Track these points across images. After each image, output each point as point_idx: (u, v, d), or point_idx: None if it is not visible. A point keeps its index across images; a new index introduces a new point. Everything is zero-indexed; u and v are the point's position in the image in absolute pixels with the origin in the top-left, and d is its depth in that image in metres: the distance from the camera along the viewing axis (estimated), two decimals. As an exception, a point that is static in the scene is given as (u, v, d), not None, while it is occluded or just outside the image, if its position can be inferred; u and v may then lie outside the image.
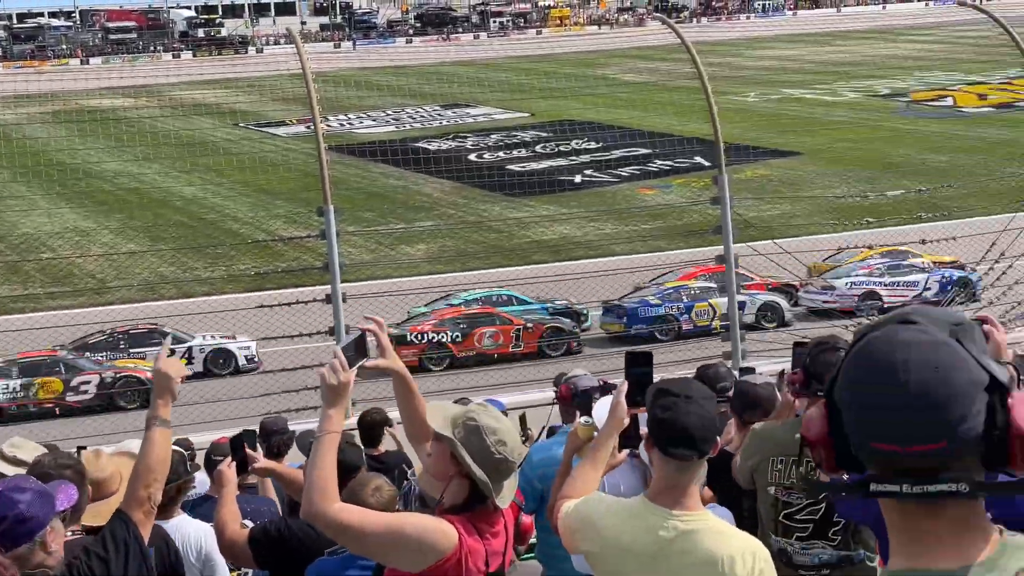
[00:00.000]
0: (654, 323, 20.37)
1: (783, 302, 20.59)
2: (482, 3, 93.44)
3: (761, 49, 63.57)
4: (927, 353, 1.47)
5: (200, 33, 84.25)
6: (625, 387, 3.11)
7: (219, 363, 20.03)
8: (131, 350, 19.91)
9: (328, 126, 39.46)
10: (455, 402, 3.71)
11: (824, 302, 20.88)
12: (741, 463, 4.04)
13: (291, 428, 6.46)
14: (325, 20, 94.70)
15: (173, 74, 52.21)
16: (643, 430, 3.01)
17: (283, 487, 4.78)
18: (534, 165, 37.59)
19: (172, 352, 3.51)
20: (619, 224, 30.21)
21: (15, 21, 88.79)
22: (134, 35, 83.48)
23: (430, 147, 40.55)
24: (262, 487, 5.41)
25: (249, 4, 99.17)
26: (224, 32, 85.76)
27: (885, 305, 20.19)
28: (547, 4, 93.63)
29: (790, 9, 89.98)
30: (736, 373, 5.96)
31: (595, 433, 3.48)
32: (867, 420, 1.49)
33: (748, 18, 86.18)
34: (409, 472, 5.54)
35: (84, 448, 4.25)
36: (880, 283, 21.21)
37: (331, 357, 2.89)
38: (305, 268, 17.55)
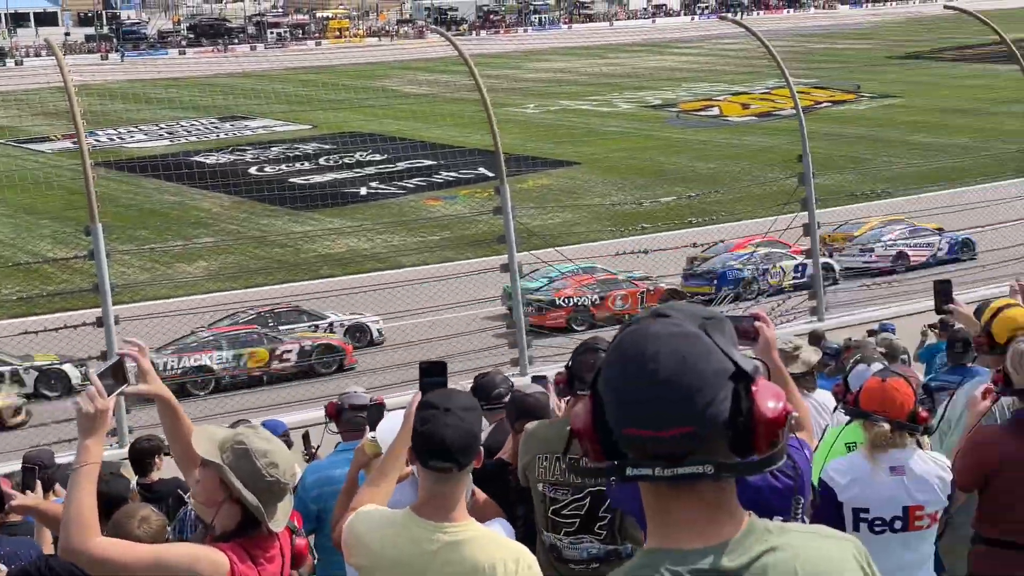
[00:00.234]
0: (739, 285, 21.44)
1: (835, 264, 22.44)
2: (258, 14, 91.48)
3: (538, 62, 65.08)
4: (676, 344, 1.55)
5: (-50, 44, 78.73)
6: (418, 399, 3.07)
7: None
8: (280, 327, 21.06)
9: (96, 141, 37.64)
10: (231, 425, 3.57)
11: (865, 262, 23.32)
12: (518, 464, 4.11)
13: (58, 461, 6.06)
14: (91, 31, 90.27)
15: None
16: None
17: (45, 525, 4.48)
18: (318, 178, 37.04)
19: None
20: (407, 235, 30.17)
21: None
22: None
23: (207, 161, 39.30)
24: (37, 529, 5.07)
25: (5, 14, 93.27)
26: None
27: (912, 263, 22.90)
28: (325, 16, 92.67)
29: (565, 23, 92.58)
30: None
31: (382, 450, 3.44)
32: (623, 408, 1.56)
33: (525, 31, 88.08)
34: (186, 496, 5.32)
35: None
36: (907, 244, 23.70)
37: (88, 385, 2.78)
38: (74, 291, 16.64)
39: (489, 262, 17.47)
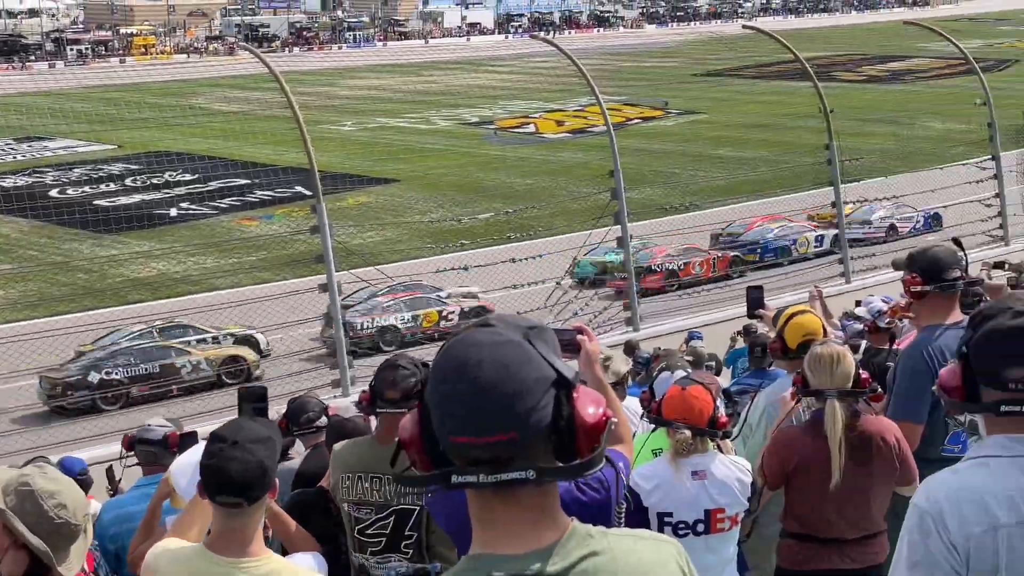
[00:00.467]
0: (779, 253, 25.85)
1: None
2: (56, 30, 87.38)
3: (354, 79, 64.65)
4: (499, 352, 1.59)
5: None
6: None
7: None
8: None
9: None
10: (23, 465, 3.36)
11: (864, 234, 25.85)
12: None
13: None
14: None
15: None
16: None
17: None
18: (124, 199, 35.58)
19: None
20: (221, 257, 29.35)
21: None
22: None
23: (4, 184, 37.23)
24: None
25: None
26: None
27: (901, 234, 26.57)
28: (130, 32, 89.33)
29: (380, 40, 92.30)
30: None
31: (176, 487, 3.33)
32: (447, 415, 1.59)
33: (340, 48, 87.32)
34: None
35: None
36: (897, 218, 27.39)
37: None
38: None
39: (307, 282, 17.22)
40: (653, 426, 4.00)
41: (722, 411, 3.90)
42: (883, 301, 7.17)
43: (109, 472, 5.60)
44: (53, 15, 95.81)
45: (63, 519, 2.64)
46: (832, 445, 3.89)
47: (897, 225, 27.54)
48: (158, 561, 2.82)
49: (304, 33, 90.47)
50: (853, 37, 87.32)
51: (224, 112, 49.82)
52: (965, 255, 4.64)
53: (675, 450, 3.81)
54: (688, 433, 3.77)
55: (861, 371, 4.05)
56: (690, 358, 6.55)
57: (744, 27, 25.08)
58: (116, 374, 19.56)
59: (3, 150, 44.17)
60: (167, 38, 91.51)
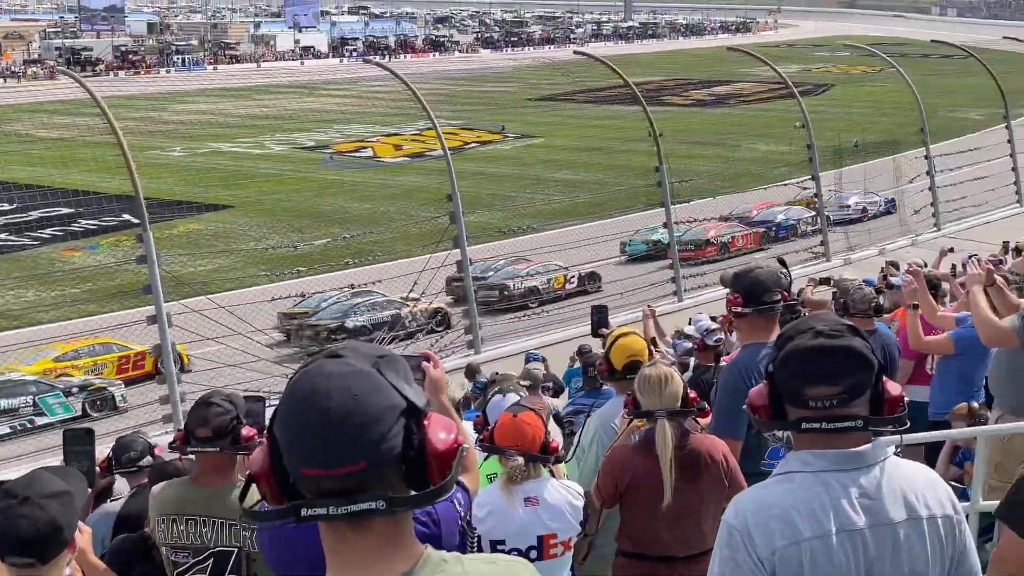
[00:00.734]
0: (788, 231, 30.28)
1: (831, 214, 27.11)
2: None
3: (184, 103, 62.92)
4: (347, 382, 1.58)
5: None
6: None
7: None
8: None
9: None
10: None
11: (845, 215, 29.21)
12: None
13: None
14: None
15: None
16: None
17: None
18: (-65, 231, 33.65)
19: None
20: (43, 290, 28.00)
21: None
22: None
23: None
24: None
25: None
26: None
27: (871, 215, 29.76)
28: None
29: (210, 64, 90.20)
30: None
31: None
32: (296, 447, 1.58)
33: (168, 72, 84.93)
34: None
35: None
36: (868, 201, 30.63)
37: None
38: None
39: (134, 314, 16.59)
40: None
41: (554, 436, 3.91)
42: (711, 319, 7.37)
43: None
44: None
45: None
46: (663, 465, 3.95)
47: (869, 208, 30.89)
48: None
49: (130, 56, 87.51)
50: (680, 62, 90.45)
51: (46, 139, 47.68)
52: (789, 273, 4.82)
53: (508, 477, 3.80)
54: (521, 460, 3.76)
55: (689, 390, 4.15)
56: (527, 382, 6.59)
57: (575, 53, 25.67)
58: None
59: None
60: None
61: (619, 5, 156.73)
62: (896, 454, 2.41)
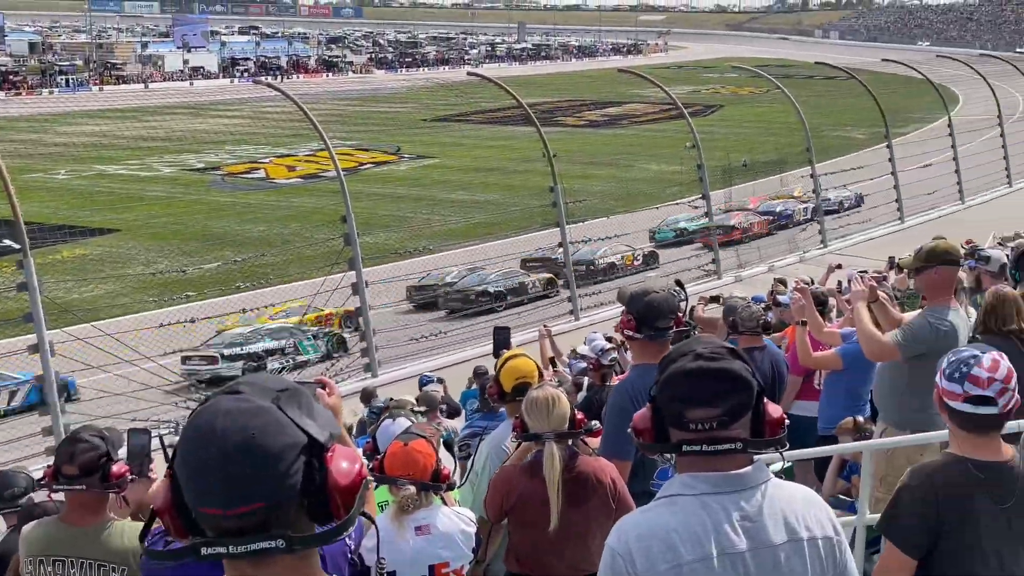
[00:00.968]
0: (790, 218, 33.22)
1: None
2: None
3: (69, 125, 61.17)
4: (245, 421, 1.55)
5: None
6: None
7: None
8: None
9: None
10: None
11: (827, 206, 29.85)
12: None
13: None
14: None
15: None
16: None
17: None
18: None
19: None
20: (-83, 319, 26.79)
21: None
22: None
23: None
24: None
25: None
26: None
27: (847, 208, 31.90)
28: None
29: (96, 84, 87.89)
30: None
31: None
32: (194, 486, 1.56)
33: (51, 93, 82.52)
34: None
35: None
36: (840, 195, 32.36)
37: None
38: None
39: (15, 343, 15.97)
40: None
41: (444, 463, 3.85)
42: (606, 339, 7.41)
43: None
44: None
45: None
46: (550, 488, 3.92)
47: (843, 200, 32.94)
48: None
49: (10, 77, 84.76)
50: (573, 84, 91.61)
51: (-81, 161, 45.80)
52: (685, 293, 4.86)
53: (399, 507, 3.73)
54: (413, 489, 3.70)
55: (577, 412, 4.13)
56: (422, 408, 6.51)
57: (469, 74, 25.81)
58: None
59: None
60: None
61: (512, 27, 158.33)
62: (786, 468, 2.42)
